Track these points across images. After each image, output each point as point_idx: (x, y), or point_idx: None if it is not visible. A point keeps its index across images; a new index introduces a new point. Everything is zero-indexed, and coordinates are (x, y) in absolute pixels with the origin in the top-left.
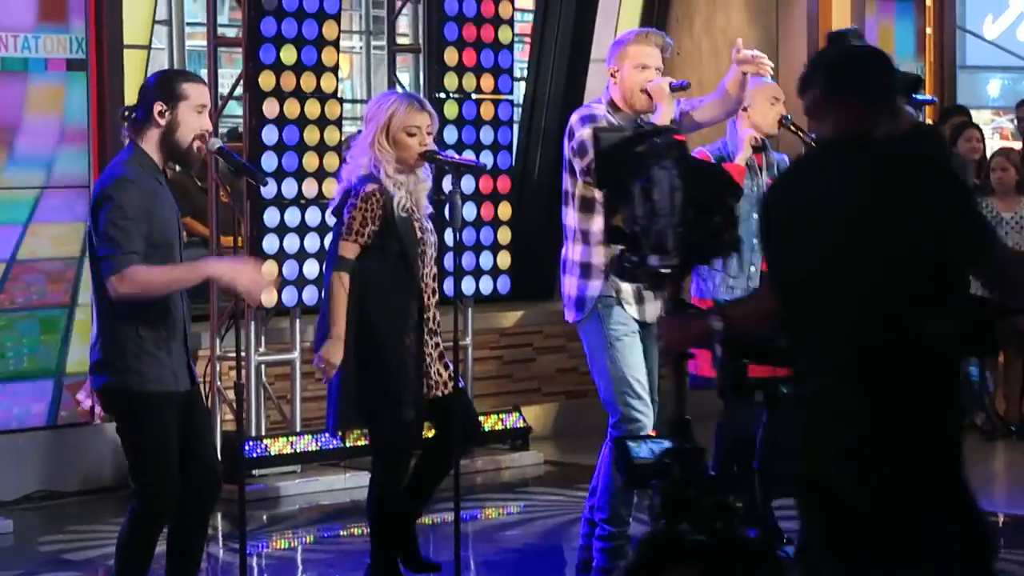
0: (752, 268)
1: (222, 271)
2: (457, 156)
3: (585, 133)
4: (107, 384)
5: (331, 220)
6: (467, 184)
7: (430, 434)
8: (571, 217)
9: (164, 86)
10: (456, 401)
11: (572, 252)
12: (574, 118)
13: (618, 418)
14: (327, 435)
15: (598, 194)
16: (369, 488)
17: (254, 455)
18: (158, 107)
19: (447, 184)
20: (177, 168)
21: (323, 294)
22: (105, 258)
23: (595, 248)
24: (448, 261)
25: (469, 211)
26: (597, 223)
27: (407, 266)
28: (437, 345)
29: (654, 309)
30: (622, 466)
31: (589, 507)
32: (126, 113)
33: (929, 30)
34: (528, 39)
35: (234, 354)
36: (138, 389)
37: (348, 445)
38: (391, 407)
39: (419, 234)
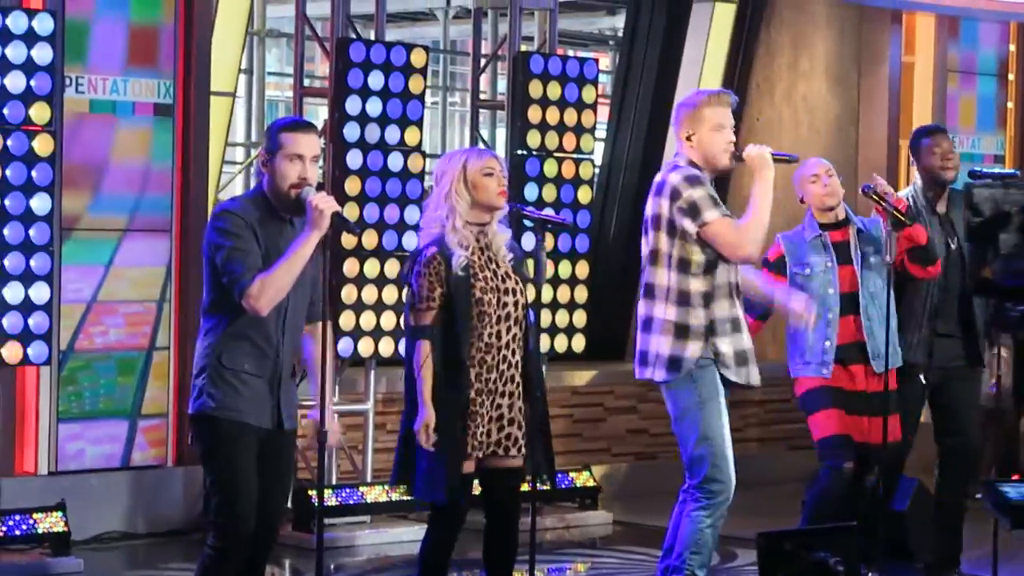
0: (827, 343)
1: (316, 213)
2: (544, 213)
3: (696, 195)
4: (191, 408)
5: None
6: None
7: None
8: (663, 276)
9: (269, 135)
10: (504, 471)
11: (663, 311)
12: (676, 177)
13: (700, 480)
14: None
15: (698, 254)
16: (422, 541)
17: (325, 504)
18: (262, 157)
19: (527, 241)
20: None
21: (407, 362)
22: (230, 287)
23: (694, 310)
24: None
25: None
26: (696, 284)
27: (458, 325)
28: (499, 407)
29: (756, 373)
30: (1003, 509)
31: (663, 568)
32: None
33: (1010, 104)
34: (608, 100)
35: (308, 402)
36: (210, 414)
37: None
38: (427, 466)
39: (479, 294)
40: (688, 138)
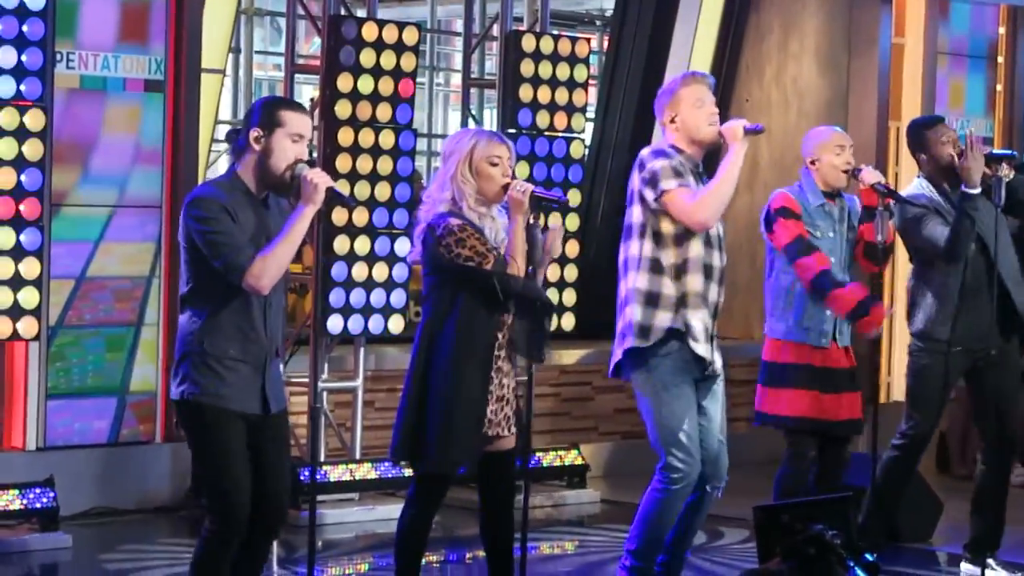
0: (827, 312)
1: (311, 187)
2: (538, 190)
3: (657, 165)
4: (175, 394)
5: (401, 250)
6: None
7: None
8: (636, 247)
9: (263, 112)
10: (501, 453)
11: (637, 281)
12: (646, 152)
13: (662, 464)
14: (386, 464)
15: (668, 225)
16: (400, 515)
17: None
18: (254, 133)
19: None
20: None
21: (417, 339)
22: (227, 270)
23: (665, 280)
24: None
25: None
26: (668, 255)
27: (483, 302)
28: (501, 385)
29: (719, 356)
30: None
31: (626, 550)
32: (233, 135)
33: (999, 87)
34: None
35: (297, 379)
36: (194, 400)
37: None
38: (440, 438)
39: None
40: (672, 120)
